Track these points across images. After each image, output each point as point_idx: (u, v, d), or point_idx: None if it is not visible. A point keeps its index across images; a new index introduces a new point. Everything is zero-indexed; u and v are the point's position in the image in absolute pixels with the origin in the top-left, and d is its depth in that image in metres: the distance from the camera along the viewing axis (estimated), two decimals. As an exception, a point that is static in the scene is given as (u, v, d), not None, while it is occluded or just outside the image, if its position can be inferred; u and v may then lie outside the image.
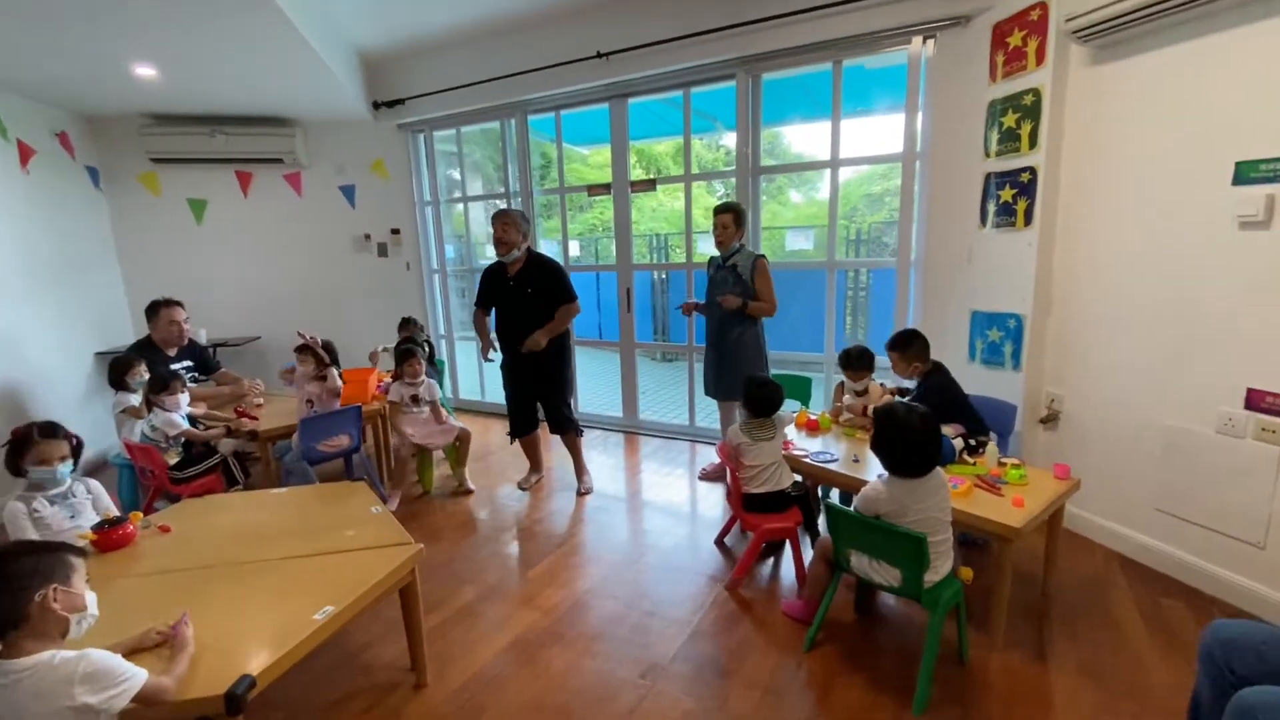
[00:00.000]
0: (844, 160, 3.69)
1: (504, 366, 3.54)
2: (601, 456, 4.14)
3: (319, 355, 3.32)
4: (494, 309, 3.50)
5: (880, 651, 2.13)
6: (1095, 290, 2.76)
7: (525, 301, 3.34)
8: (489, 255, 6.71)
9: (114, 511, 2.35)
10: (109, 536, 2.03)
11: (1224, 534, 2.36)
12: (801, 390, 3.79)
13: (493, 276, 3.46)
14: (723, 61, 3.74)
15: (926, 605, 1.89)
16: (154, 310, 3.70)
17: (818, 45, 3.47)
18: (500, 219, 3.33)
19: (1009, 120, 2.94)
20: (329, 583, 1.75)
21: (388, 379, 4.26)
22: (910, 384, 2.99)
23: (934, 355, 2.90)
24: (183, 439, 3.17)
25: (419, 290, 5.36)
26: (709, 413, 5.56)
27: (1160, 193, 2.48)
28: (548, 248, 4.91)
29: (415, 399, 3.53)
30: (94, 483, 2.35)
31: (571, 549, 2.89)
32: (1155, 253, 2.51)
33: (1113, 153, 2.64)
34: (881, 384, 3.13)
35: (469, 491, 3.60)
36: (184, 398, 3.19)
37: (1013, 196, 2.96)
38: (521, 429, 3.62)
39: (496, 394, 6.03)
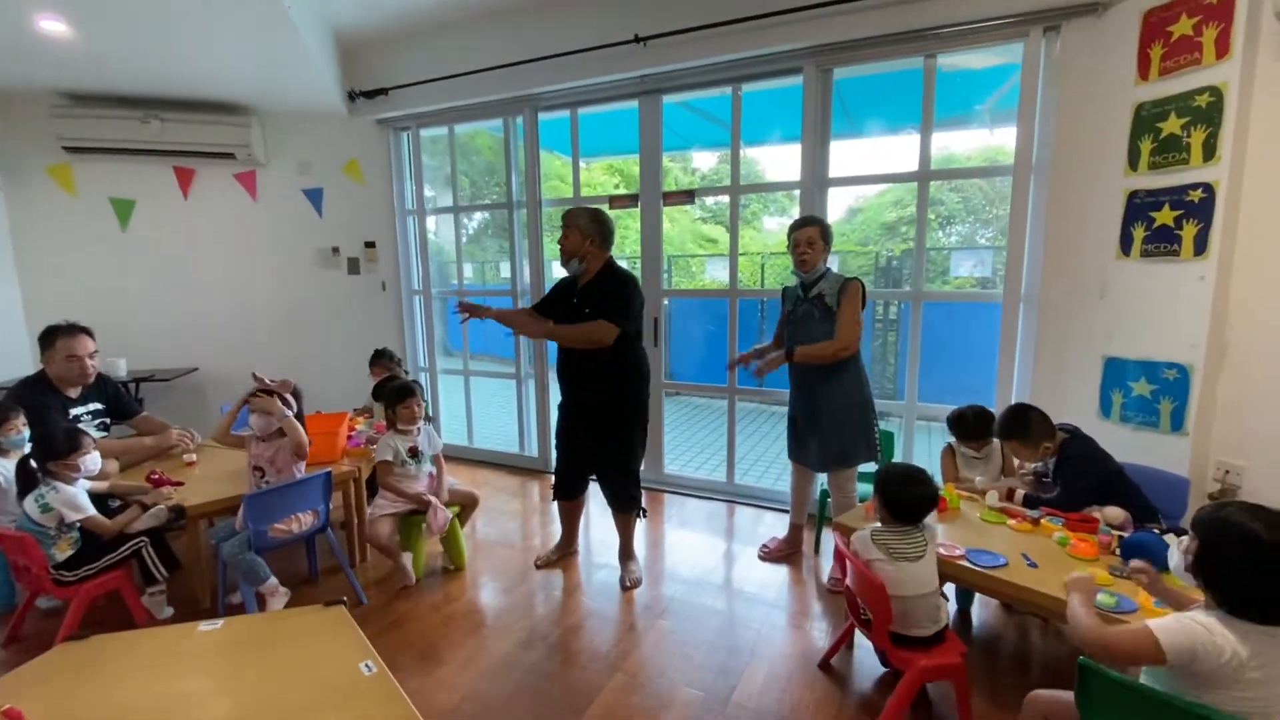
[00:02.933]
0: (935, 173, 3.10)
1: (560, 409, 2.81)
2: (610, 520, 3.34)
3: (287, 402, 2.48)
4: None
5: None
6: (1291, 337, 2.20)
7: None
8: (469, 276, 5.92)
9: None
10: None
11: None
12: (884, 447, 3.13)
13: (562, 289, 2.73)
14: (788, 52, 3.12)
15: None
16: (49, 339, 2.81)
17: (908, 35, 2.89)
18: (565, 221, 2.61)
19: (1170, 126, 2.39)
20: None
21: (361, 425, 3.44)
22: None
23: (1050, 409, 2.30)
24: (80, 525, 2.28)
25: (396, 314, 4.53)
26: (752, 468, 4.90)
27: None
28: (524, 271, 4.08)
29: (414, 452, 2.71)
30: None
31: (631, 679, 2.12)
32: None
33: (1323, 167, 2.10)
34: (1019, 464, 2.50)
35: (459, 570, 2.83)
36: (93, 460, 2.31)
37: (1175, 219, 2.39)
38: (567, 491, 2.86)
39: (487, 438, 5.20)
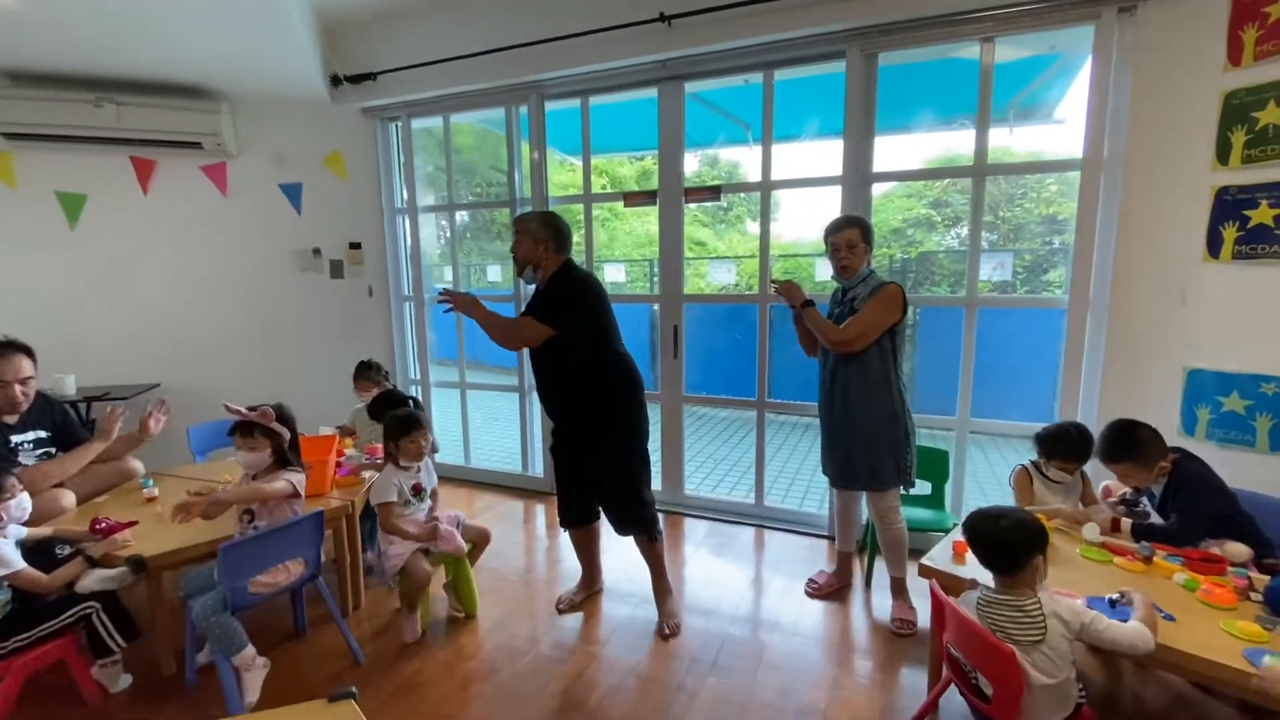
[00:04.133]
0: (993, 168, 2.84)
1: (552, 430, 2.52)
2: (630, 546, 2.98)
3: (275, 434, 2.10)
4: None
5: None
6: None
7: (546, 342, 2.30)
8: (447, 279, 5.52)
9: None
10: None
11: None
12: (937, 467, 2.87)
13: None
14: (830, 34, 2.84)
15: None
16: None
17: (963, 16, 2.63)
18: (514, 227, 2.40)
19: (1270, 115, 2.16)
20: None
21: (350, 449, 3.05)
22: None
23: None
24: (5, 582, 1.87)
25: (384, 322, 4.13)
26: (777, 485, 4.56)
27: None
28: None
29: (418, 490, 2.35)
30: None
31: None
32: None
33: None
34: (1107, 484, 2.25)
35: (470, 617, 2.48)
36: (18, 505, 1.90)
37: (1275, 218, 2.17)
38: (572, 517, 2.53)
39: (486, 457, 4.83)
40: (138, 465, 2.85)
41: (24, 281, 3.60)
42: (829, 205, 3.05)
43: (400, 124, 3.94)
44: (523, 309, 2.44)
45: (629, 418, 2.36)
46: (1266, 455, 2.23)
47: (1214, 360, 2.37)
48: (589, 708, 1.98)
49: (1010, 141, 6.01)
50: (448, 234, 4.79)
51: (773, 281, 2.62)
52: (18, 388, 2.45)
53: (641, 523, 2.42)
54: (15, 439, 2.52)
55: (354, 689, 1.34)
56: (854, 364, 2.37)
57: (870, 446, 2.38)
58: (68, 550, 2.11)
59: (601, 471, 2.39)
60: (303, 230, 4.02)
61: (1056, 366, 2.83)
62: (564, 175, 7.26)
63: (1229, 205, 2.29)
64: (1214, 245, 2.34)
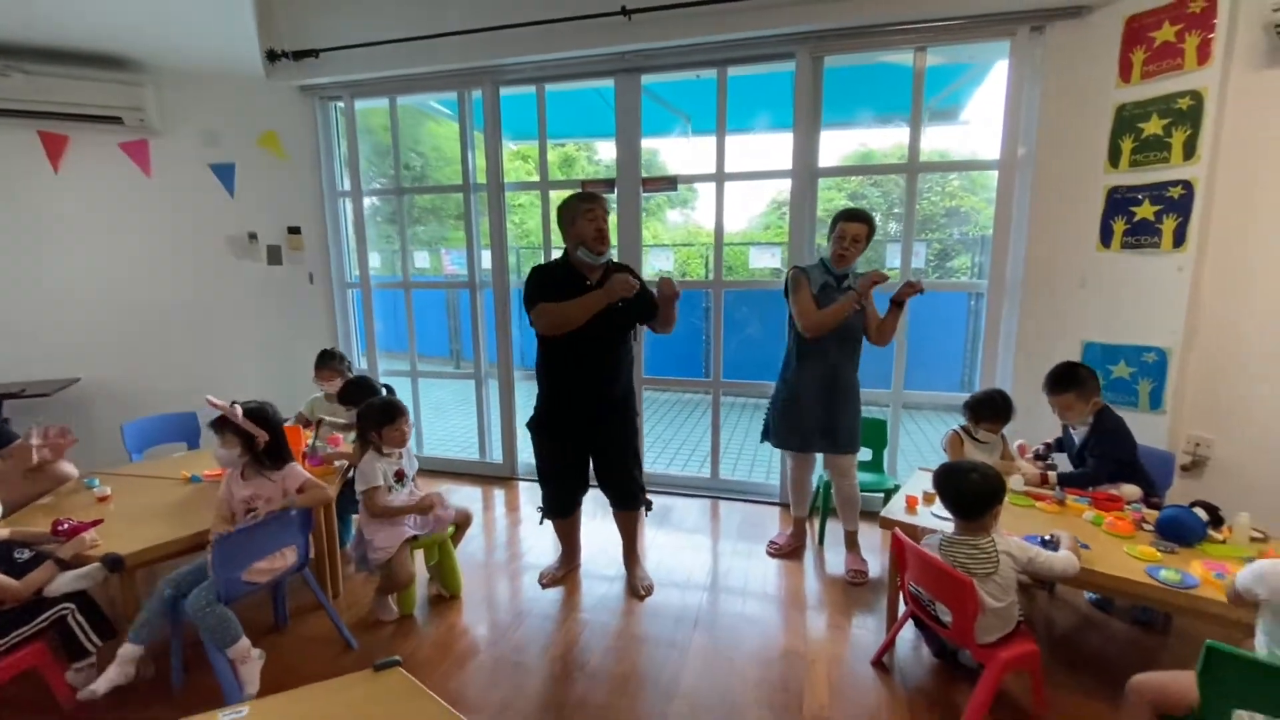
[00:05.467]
0: (925, 165, 3.16)
1: (549, 420, 2.50)
2: (603, 525, 3.10)
3: (249, 435, 2.05)
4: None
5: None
6: (1256, 321, 2.43)
7: (615, 320, 2.34)
8: (376, 266, 5.37)
9: None
10: None
11: None
12: (877, 435, 3.18)
13: (563, 280, 2.35)
14: (781, 36, 3.04)
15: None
16: None
17: (901, 27, 2.90)
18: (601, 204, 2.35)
19: (1152, 127, 2.56)
20: None
21: (310, 439, 2.98)
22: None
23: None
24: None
25: (327, 311, 4.00)
26: (731, 461, 4.78)
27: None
28: (483, 259, 3.74)
29: (400, 476, 2.36)
30: None
31: (695, 706, 1.96)
32: (1355, 282, 2.21)
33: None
34: (1021, 443, 2.61)
35: (455, 597, 2.54)
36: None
37: (1156, 214, 2.58)
38: (562, 507, 2.63)
39: (440, 445, 4.78)
40: (69, 468, 2.66)
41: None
42: (756, 199, 3.28)
43: (341, 104, 3.81)
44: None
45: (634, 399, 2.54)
46: (1147, 413, 2.66)
47: (1105, 334, 2.78)
48: (591, 669, 2.11)
49: (923, 141, 6.59)
50: (378, 219, 4.66)
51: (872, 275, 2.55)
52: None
53: (641, 497, 2.58)
54: (-66, 441, 2.31)
55: (398, 657, 1.40)
56: (854, 347, 2.68)
57: (855, 416, 2.70)
58: (27, 554, 1.98)
59: (618, 452, 2.51)
60: (237, 214, 3.81)
61: (967, 342, 3.20)
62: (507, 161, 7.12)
63: (1118, 203, 2.69)
64: (1106, 237, 2.75)
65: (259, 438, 2.05)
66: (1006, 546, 1.77)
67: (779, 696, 1.98)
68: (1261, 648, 1.43)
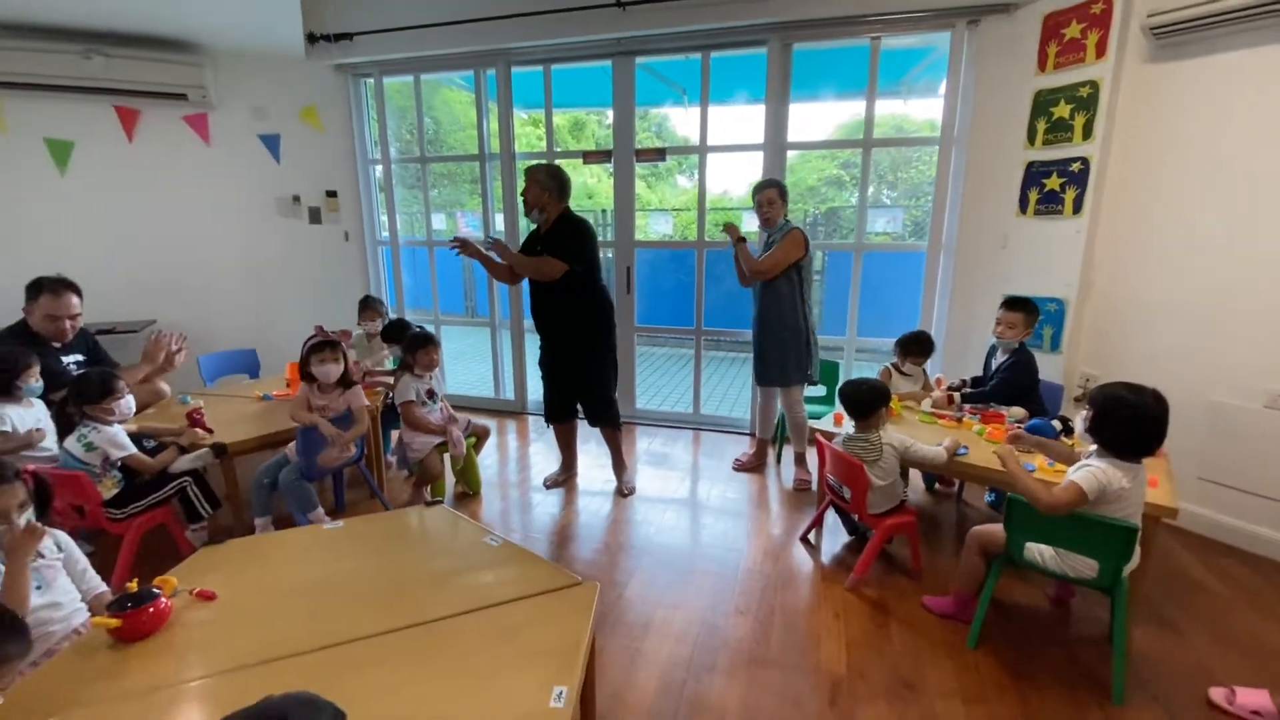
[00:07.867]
0: (878, 140, 3.63)
1: (541, 347, 3.16)
2: (600, 448, 3.63)
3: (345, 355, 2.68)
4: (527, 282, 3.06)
5: (1039, 640, 2.10)
6: (1139, 277, 2.94)
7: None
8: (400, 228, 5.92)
9: (92, 574, 1.68)
10: (137, 620, 1.40)
11: (1268, 497, 2.63)
12: (831, 375, 3.74)
13: (530, 238, 3.04)
14: (755, 26, 3.50)
15: (1117, 595, 1.87)
16: (34, 291, 2.79)
17: (857, 19, 3.35)
18: (526, 175, 2.91)
19: (1060, 110, 3.02)
20: (520, 651, 1.33)
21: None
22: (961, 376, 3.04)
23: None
24: (119, 463, 2.37)
25: (361, 266, 4.57)
26: (712, 397, 5.48)
27: (1217, 186, 2.66)
28: (498, 221, 4.30)
29: (431, 394, 2.97)
30: (64, 537, 1.66)
31: (662, 558, 2.58)
32: (1207, 243, 2.71)
33: (1165, 147, 2.80)
34: (939, 376, 3.16)
35: (476, 494, 3.16)
36: (127, 404, 2.39)
37: (1060, 185, 3.06)
38: (557, 414, 3.22)
39: (460, 386, 5.36)
40: (165, 388, 3.28)
41: (15, 223, 3.79)
42: (752, 166, 3.77)
43: (373, 80, 4.30)
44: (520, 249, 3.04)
45: (607, 337, 3.07)
46: (1049, 354, 3.19)
47: (1020, 287, 3.28)
48: (582, 537, 2.74)
49: (907, 110, 6.97)
50: (400, 185, 5.18)
51: (723, 224, 3.31)
52: (68, 322, 2.84)
53: (611, 417, 3.16)
54: (65, 359, 2.92)
55: (442, 498, 2.02)
56: (770, 290, 3.16)
57: (782, 353, 3.20)
58: (153, 444, 2.61)
59: (587, 380, 3.08)
60: (282, 178, 4.36)
61: (919, 295, 3.72)
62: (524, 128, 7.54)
63: (1034, 175, 3.18)
64: (1023, 204, 3.24)
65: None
66: (890, 439, 2.34)
67: (724, 555, 2.60)
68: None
